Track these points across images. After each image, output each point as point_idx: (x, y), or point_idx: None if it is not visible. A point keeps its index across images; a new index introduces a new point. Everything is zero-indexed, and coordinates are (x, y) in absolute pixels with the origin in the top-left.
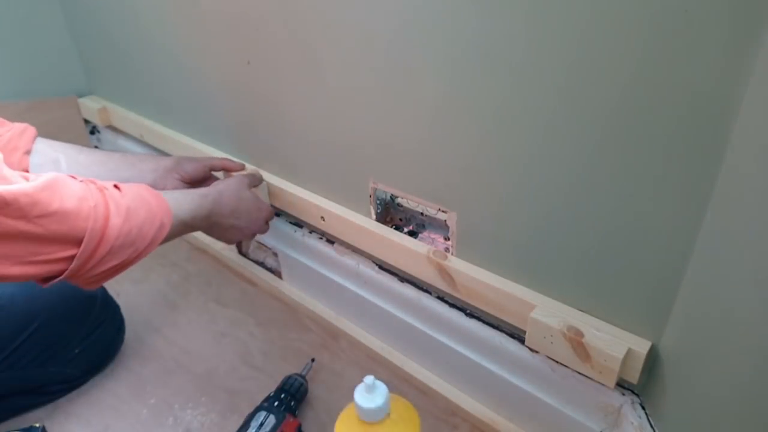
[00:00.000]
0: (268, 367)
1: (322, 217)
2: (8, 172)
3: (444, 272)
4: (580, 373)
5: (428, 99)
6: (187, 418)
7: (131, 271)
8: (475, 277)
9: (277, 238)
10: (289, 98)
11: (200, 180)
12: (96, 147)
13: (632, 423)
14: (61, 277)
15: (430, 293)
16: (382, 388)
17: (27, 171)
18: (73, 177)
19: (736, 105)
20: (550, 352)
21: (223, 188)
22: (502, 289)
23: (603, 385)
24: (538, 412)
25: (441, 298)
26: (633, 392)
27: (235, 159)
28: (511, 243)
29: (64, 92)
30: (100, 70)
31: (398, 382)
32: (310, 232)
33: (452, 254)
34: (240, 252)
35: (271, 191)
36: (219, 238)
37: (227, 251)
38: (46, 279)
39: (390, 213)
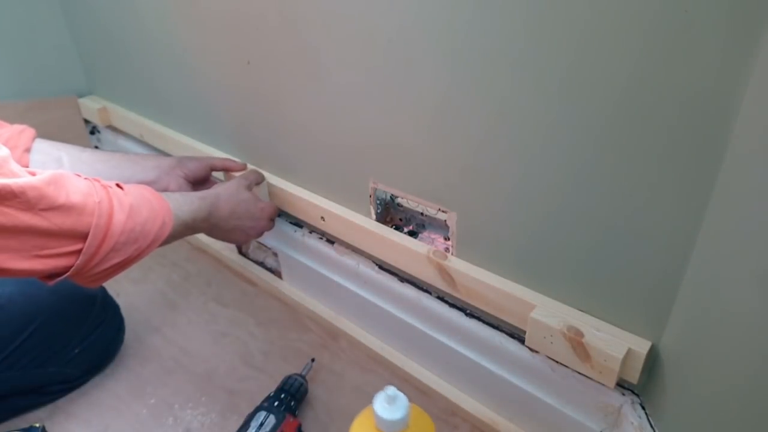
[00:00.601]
0: (268, 367)
1: (322, 217)
2: (15, 167)
3: (444, 272)
4: (580, 373)
5: (428, 99)
6: (187, 418)
7: (131, 270)
8: (475, 277)
9: (277, 238)
10: (289, 98)
11: (202, 179)
12: (96, 147)
13: (632, 423)
14: (66, 275)
15: (430, 293)
16: (403, 400)
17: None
18: (77, 175)
19: (737, 104)
20: (550, 352)
21: (221, 190)
22: (502, 289)
23: (603, 385)
24: (538, 412)
25: (441, 298)
26: (633, 392)
27: (236, 159)
28: (511, 243)
29: (64, 92)
30: (100, 70)
31: (398, 382)
32: (310, 232)
33: (452, 254)
34: (240, 252)
35: (271, 191)
36: (223, 239)
37: (227, 251)
38: (51, 276)
39: (390, 213)
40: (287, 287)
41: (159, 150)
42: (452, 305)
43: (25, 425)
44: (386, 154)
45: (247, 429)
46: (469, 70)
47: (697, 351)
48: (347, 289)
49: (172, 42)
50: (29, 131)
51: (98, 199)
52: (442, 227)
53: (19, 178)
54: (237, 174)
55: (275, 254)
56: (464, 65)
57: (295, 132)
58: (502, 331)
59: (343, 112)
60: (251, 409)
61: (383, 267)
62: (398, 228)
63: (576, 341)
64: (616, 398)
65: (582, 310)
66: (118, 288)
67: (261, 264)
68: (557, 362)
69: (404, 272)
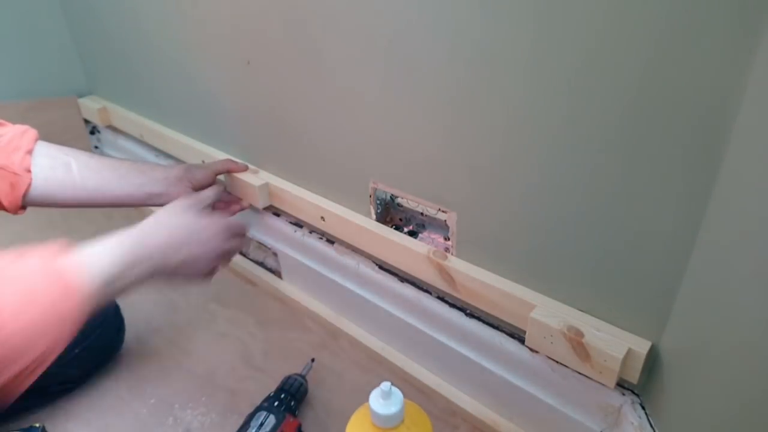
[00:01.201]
0: (268, 367)
1: (322, 217)
2: None
3: (444, 272)
4: (580, 373)
5: (429, 99)
6: (187, 418)
7: None
8: (475, 277)
9: (277, 238)
10: (289, 98)
11: (209, 186)
12: (96, 147)
13: (632, 423)
14: None
15: (430, 293)
16: (398, 395)
17: (29, 170)
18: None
19: (737, 105)
20: (550, 352)
21: (146, 222)
22: (502, 289)
23: (603, 385)
24: (538, 412)
25: (441, 298)
26: (633, 392)
27: (237, 160)
28: (511, 243)
29: (64, 92)
30: (100, 70)
31: (398, 382)
32: (310, 232)
33: (452, 254)
34: (240, 252)
35: (271, 191)
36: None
37: None
38: None
39: (390, 213)
40: (287, 287)
41: (159, 150)
42: (452, 305)
43: (25, 425)
44: (386, 154)
45: (247, 429)
46: (471, 71)
47: (697, 351)
48: (347, 289)
49: (172, 42)
50: (31, 132)
51: None
52: (442, 227)
53: None
54: (238, 175)
55: (275, 254)
56: (466, 65)
57: (295, 132)
58: (502, 331)
59: (344, 112)
60: (251, 409)
61: (383, 267)
62: (398, 228)
63: (576, 341)
64: (616, 398)
65: (582, 310)
66: None
67: (261, 264)
68: (557, 362)
69: (404, 272)
